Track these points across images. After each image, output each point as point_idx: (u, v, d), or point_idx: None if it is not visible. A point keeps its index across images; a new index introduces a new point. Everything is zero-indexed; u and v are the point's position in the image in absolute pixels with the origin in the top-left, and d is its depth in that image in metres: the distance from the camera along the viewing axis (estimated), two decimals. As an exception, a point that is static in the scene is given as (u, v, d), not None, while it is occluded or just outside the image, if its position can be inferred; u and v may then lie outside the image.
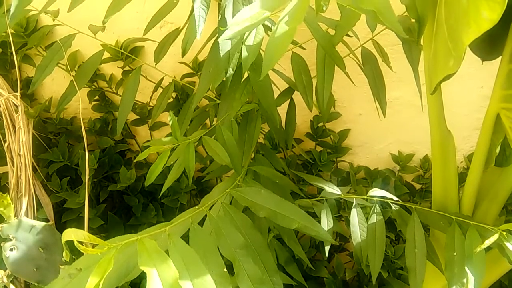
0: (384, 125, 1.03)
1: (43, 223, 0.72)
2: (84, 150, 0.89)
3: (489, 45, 0.57)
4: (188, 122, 0.86)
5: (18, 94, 0.77)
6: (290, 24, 0.45)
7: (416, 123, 1.11)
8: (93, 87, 1.05)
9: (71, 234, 0.37)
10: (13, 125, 0.84)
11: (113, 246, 0.38)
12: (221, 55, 0.68)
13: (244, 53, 0.65)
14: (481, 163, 0.65)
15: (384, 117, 0.79)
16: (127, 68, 1.02)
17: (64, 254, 0.55)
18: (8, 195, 0.65)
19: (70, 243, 0.43)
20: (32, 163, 0.87)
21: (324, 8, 0.40)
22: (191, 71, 1.03)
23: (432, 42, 0.53)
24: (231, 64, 0.69)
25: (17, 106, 0.77)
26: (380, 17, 0.41)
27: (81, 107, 0.93)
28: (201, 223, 0.59)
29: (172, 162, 0.74)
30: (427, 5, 0.52)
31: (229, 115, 0.77)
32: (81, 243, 0.38)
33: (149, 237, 0.43)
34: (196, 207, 0.56)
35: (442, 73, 0.44)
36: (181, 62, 1.03)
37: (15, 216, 0.69)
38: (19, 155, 0.77)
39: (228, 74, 0.69)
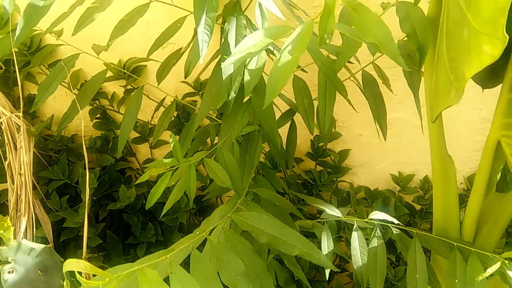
0: (384, 146, 1.03)
1: (43, 246, 0.71)
2: (85, 169, 0.89)
3: (489, 74, 0.57)
4: (190, 142, 0.86)
5: (20, 113, 0.77)
6: (293, 53, 0.46)
7: (416, 144, 1.11)
8: (95, 105, 1.05)
9: (72, 264, 0.36)
10: (14, 144, 0.84)
11: (114, 276, 0.38)
12: (223, 78, 0.68)
13: (247, 77, 0.65)
14: (482, 189, 0.65)
15: (385, 140, 0.79)
16: (129, 87, 1.03)
17: (64, 284, 0.55)
18: (8, 218, 0.65)
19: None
20: (32, 181, 0.87)
21: (328, 41, 0.41)
22: (193, 90, 1.04)
23: (433, 70, 0.53)
24: (233, 87, 0.69)
25: (19, 126, 0.77)
26: (381, 49, 0.41)
27: (83, 124, 0.93)
28: (202, 246, 0.59)
29: (173, 183, 0.74)
30: (428, 34, 0.53)
31: (230, 136, 0.77)
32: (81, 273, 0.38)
33: (150, 266, 0.43)
34: (197, 232, 0.56)
35: (443, 103, 0.45)
36: (183, 82, 1.04)
37: (14, 237, 0.69)
38: (20, 174, 0.77)
39: (230, 97, 0.69)
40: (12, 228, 0.65)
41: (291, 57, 0.46)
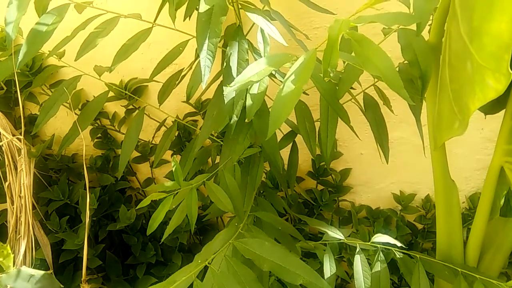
0: (385, 165, 1.03)
1: (42, 272, 0.71)
2: (85, 189, 0.88)
3: (491, 101, 0.57)
4: (191, 163, 0.86)
5: (21, 136, 0.77)
6: (297, 83, 0.46)
7: (418, 163, 1.11)
8: (96, 125, 1.05)
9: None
10: (15, 165, 0.84)
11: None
12: (225, 102, 0.68)
13: (249, 101, 0.65)
14: (485, 214, 0.64)
15: (387, 163, 0.79)
16: (130, 106, 1.03)
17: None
18: (7, 245, 0.64)
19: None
20: (32, 202, 0.86)
21: (331, 74, 0.41)
22: (194, 110, 1.04)
23: (435, 97, 0.53)
24: (235, 111, 0.69)
25: (20, 148, 0.77)
26: (385, 82, 0.41)
27: (84, 145, 0.93)
28: (204, 272, 0.58)
29: (174, 206, 0.73)
30: (430, 61, 0.53)
31: (231, 159, 0.77)
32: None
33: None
34: (199, 260, 0.55)
35: (447, 134, 0.45)
36: (184, 102, 1.04)
37: (13, 260, 0.68)
38: (20, 196, 0.76)
39: (232, 121, 0.69)
40: (12, 256, 0.64)
41: (294, 87, 0.46)
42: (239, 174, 0.78)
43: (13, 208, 0.83)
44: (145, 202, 0.64)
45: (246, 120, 0.63)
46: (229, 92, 0.67)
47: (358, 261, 0.77)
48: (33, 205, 0.88)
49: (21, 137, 0.77)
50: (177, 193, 0.70)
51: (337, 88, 0.60)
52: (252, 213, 0.74)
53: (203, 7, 0.52)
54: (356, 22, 0.43)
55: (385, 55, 0.42)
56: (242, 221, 0.69)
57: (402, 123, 1.04)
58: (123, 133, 1.07)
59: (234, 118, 0.69)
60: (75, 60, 0.66)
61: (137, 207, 0.66)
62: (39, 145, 0.91)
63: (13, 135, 0.86)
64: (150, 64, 1.03)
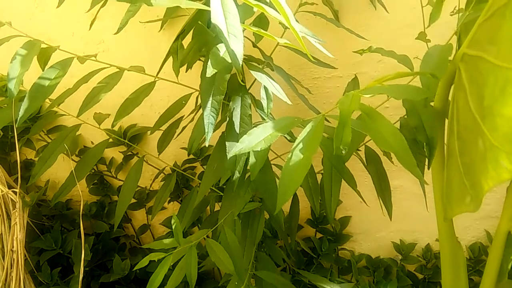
0: (385, 213, 1.02)
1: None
2: (79, 238, 0.86)
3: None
4: (190, 214, 0.84)
5: (17, 189, 0.75)
6: (305, 152, 0.45)
7: (418, 212, 1.10)
8: (92, 171, 1.03)
9: None
10: (8, 216, 0.81)
11: None
12: (228, 158, 0.67)
13: (252, 159, 0.64)
14: (493, 278, 0.63)
15: (391, 220, 0.78)
16: (129, 153, 1.02)
17: None
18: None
19: None
20: (24, 253, 0.83)
21: (343, 152, 0.40)
22: (193, 157, 1.03)
23: (442, 165, 0.53)
24: (238, 167, 0.68)
25: (14, 202, 0.75)
26: (397, 158, 0.41)
27: (80, 192, 0.91)
28: None
29: (172, 263, 0.71)
30: (436, 128, 0.53)
31: (232, 213, 0.76)
32: None
33: None
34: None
35: (458, 208, 0.44)
36: (183, 148, 1.03)
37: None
38: (12, 251, 0.74)
39: (234, 178, 0.68)
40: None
41: (303, 156, 0.45)
42: (239, 230, 0.76)
43: (4, 262, 0.79)
44: (143, 263, 0.62)
45: (251, 179, 0.61)
46: (232, 149, 0.67)
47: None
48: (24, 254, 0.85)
49: (17, 190, 0.75)
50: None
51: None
52: (252, 272, 0.72)
53: (210, 71, 0.51)
54: (366, 93, 0.43)
55: (396, 130, 0.42)
56: (243, 282, 0.67)
57: (402, 172, 1.04)
58: (120, 179, 1.06)
59: (237, 175, 0.68)
60: (77, 116, 0.65)
61: (135, 268, 0.64)
62: (33, 194, 0.89)
63: (8, 185, 0.83)
64: (150, 110, 1.03)
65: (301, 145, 0.46)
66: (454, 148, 0.47)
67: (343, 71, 0.97)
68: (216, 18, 0.44)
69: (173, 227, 0.66)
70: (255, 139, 0.49)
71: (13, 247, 0.73)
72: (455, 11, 0.76)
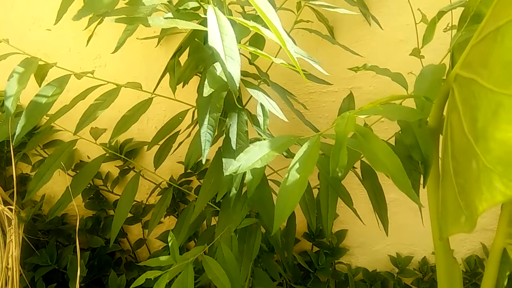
0: (381, 226, 1.03)
1: None
2: (75, 253, 0.85)
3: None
4: (186, 231, 0.84)
5: (13, 206, 0.75)
6: (302, 172, 0.45)
7: (414, 225, 1.10)
8: (88, 185, 1.03)
9: None
10: (3, 232, 0.81)
11: None
12: (224, 174, 0.68)
13: (249, 176, 0.65)
14: (489, 294, 0.63)
15: (387, 235, 0.78)
16: (125, 167, 1.02)
17: None
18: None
19: None
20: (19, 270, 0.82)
21: (340, 174, 0.41)
22: (189, 171, 1.03)
23: (437, 183, 0.53)
24: (235, 183, 0.68)
25: (10, 219, 0.74)
26: (393, 181, 0.41)
27: (76, 207, 0.90)
28: None
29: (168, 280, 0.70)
30: (431, 146, 0.53)
31: (229, 229, 0.76)
32: None
33: None
34: None
35: (453, 227, 0.44)
36: (179, 162, 1.03)
37: None
38: (7, 268, 0.73)
39: (231, 194, 0.68)
40: None
41: (299, 176, 0.45)
42: (236, 247, 0.76)
43: (-2, 278, 0.78)
44: (139, 282, 0.62)
45: (247, 196, 0.62)
46: (229, 165, 0.67)
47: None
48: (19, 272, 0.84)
49: (13, 207, 0.74)
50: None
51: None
52: (249, 288, 0.71)
53: (207, 90, 0.52)
54: (361, 114, 0.44)
55: (391, 152, 0.42)
56: (240, 299, 0.67)
57: (397, 186, 1.04)
58: (116, 194, 1.05)
59: (234, 191, 0.68)
60: (74, 134, 0.65)
61: (132, 286, 0.63)
62: (29, 209, 0.89)
63: (4, 200, 0.83)
64: (147, 125, 1.03)
65: (297, 165, 0.46)
66: (449, 168, 0.47)
67: (338, 85, 0.98)
68: (213, 40, 0.45)
69: (170, 244, 0.66)
70: (252, 158, 0.50)
71: (8, 264, 0.73)
72: (448, 27, 0.77)
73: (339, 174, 0.40)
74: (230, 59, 0.45)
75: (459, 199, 0.44)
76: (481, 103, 0.40)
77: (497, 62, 0.37)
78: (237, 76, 0.46)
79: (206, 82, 0.53)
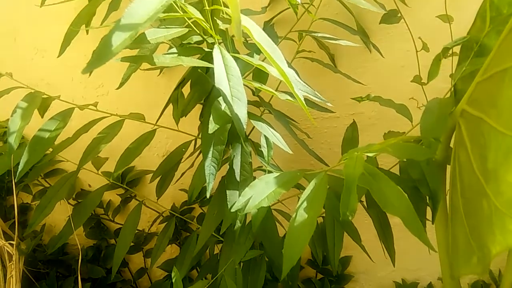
0: (386, 252, 1.01)
1: None
2: (75, 284, 0.83)
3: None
4: (189, 262, 0.83)
5: (14, 241, 0.73)
6: (310, 212, 0.45)
7: (419, 250, 1.09)
8: (90, 214, 1.02)
9: None
10: (3, 265, 0.79)
11: None
12: (230, 211, 0.67)
13: (254, 210, 0.64)
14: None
15: (394, 266, 0.77)
16: (127, 195, 1.01)
17: None
18: None
19: None
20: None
21: (350, 218, 0.40)
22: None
23: (445, 220, 0.53)
24: (239, 216, 0.68)
25: (11, 254, 0.73)
26: (404, 224, 0.41)
27: (75, 233, 0.89)
28: None
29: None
30: (439, 181, 0.53)
31: (233, 261, 0.74)
32: None
33: None
34: None
35: (465, 268, 0.43)
36: (181, 190, 1.02)
37: None
38: (7, 304, 0.71)
39: (236, 227, 0.67)
40: None
41: (307, 216, 0.45)
42: (240, 277, 0.75)
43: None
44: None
45: (252, 230, 0.61)
46: (233, 198, 0.66)
47: None
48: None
49: (14, 242, 0.73)
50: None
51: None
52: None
53: (212, 127, 0.52)
54: (370, 152, 0.43)
55: (402, 193, 0.42)
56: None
57: (402, 211, 1.03)
58: (117, 222, 1.04)
59: (238, 224, 0.67)
60: (78, 169, 0.65)
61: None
62: (29, 241, 0.87)
63: (4, 231, 0.82)
64: (149, 153, 1.03)
65: (305, 204, 0.46)
66: (458, 206, 0.47)
67: (340, 111, 0.98)
68: (220, 82, 0.45)
69: (174, 280, 0.65)
70: (259, 196, 0.49)
71: (8, 301, 0.71)
72: (449, 54, 0.77)
73: (350, 218, 0.40)
74: (237, 101, 0.45)
75: (470, 239, 0.43)
76: (491, 144, 0.40)
77: (506, 105, 0.37)
78: (244, 118, 0.46)
79: (211, 118, 0.52)
